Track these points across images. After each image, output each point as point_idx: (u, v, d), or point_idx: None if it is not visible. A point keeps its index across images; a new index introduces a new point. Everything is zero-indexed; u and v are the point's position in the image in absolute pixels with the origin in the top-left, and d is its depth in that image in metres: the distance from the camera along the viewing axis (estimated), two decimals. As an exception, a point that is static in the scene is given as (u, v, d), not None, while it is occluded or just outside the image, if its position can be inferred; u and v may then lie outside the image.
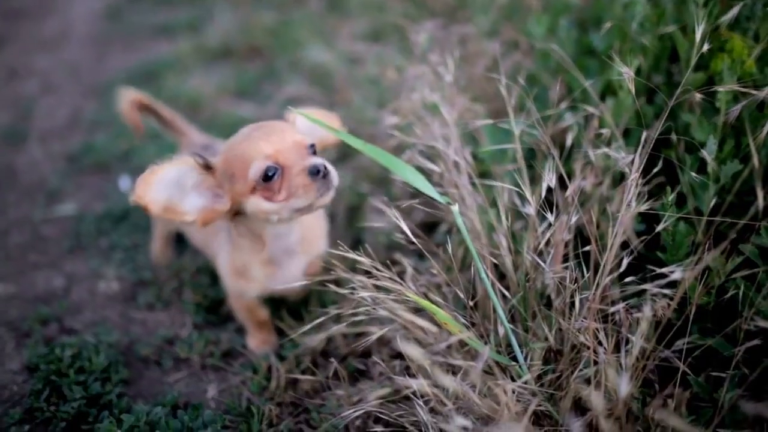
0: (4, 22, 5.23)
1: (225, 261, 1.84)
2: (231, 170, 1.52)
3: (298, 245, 1.78)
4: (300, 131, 1.59)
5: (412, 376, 1.62)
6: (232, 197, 1.55)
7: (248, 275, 1.80)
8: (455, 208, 1.37)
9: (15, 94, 4.07)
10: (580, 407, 1.43)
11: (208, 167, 1.54)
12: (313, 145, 1.57)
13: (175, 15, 4.87)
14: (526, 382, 1.39)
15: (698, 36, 1.57)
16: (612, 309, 1.39)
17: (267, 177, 1.49)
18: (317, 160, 1.51)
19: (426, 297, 1.66)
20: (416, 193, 2.16)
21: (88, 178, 3.10)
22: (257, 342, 1.98)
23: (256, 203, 1.53)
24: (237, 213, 1.61)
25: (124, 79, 4.03)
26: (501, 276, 1.79)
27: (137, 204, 1.46)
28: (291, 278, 1.80)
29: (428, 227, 2.18)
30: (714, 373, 1.47)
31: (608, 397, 1.34)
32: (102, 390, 1.84)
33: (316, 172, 1.50)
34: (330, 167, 1.52)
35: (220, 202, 1.56)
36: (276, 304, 2.09)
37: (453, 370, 1.50)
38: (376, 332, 1.51)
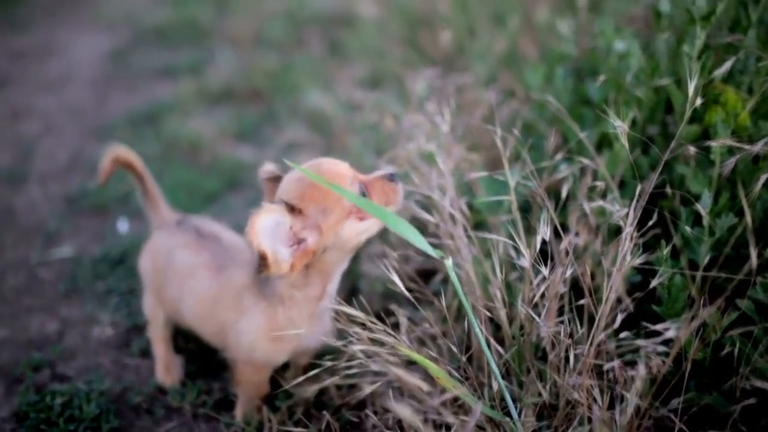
0: (7, 63, 5.28)
1: (255, 325, 1.72)
2: (322, 204, 1.53)
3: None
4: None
5: (405, 430, 1.60)
6: (326, 231, 1.54)
7: (287, 336, 1.70)
8: (449, 262, 1.37)
9: (16, 135, 4.09)
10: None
11: (292, 210, 1.52)
12: None
13: (178, 57, 4.92)
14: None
15: (691, 89, 1.58)
16: (607, 366, 1.38)
17: (362, 195, 1.57)
18: (386, 169, 1.67)
19: (420, 348, 1.65)
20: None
21: (86, 220, 3.10)
22: (247, 411, 1.90)
23: (352, 227, 1.57)
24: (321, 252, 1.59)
25: (125, 120, 4.06)
26: (496, 327, 1.78)
27: (258, 253, 1.43)
28: (324, 330, 1.76)
29: (425, 274, 2.18)
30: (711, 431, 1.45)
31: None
32: (92, 440, 1.82)
33: (392, 178, 1.64)
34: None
35: (312, 241, 1.53)
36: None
37: (446, 426, 1.48)
38: (369, 386, 1.50)
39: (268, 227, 1.45)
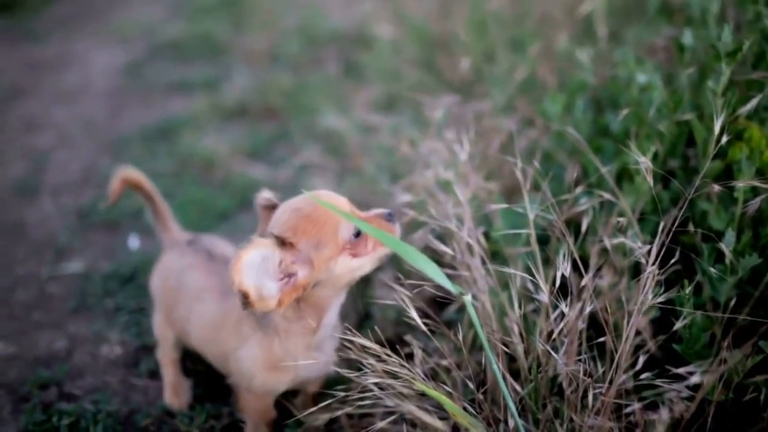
0: (23, 74, 5.30)
1: (253, 355, 1.70)
2: (316, 238, 1.50)
3: (336, 325, 1.74)
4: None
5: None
6: (318, 266, 1.51)
7: (284, 367, 1.68)
8: (468, 298, 1.35)
9: (30, 147, 4.09)
10: None
11: (283, 243, 1.49)
12: None
13: (193, 72, 4.92)
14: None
15: (717, 127, 1.56)
16: (628, 409, 1.35)
17: (357, 234, 1.53)
18: (381, 209, 1.65)
19: (435, 379, 1.62)
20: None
21: (97, 235, 3.09)
22: None
23: (345, 263, 1.54)
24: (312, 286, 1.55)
25: (138, 135, 4.06)
26: (511, 359, 1.75)
27: (240, 291, 1.39)
28: (326, 361, 1.73)
29: (439, 303, 2.15)
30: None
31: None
32: (98, 463, 1.80)
33: (390, 217, 1.61)
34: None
35: (302, 276, 1.50)
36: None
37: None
38: (382, 421, 1.47)
39: (255, 263, 1.41)
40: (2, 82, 5.08)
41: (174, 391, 2.07)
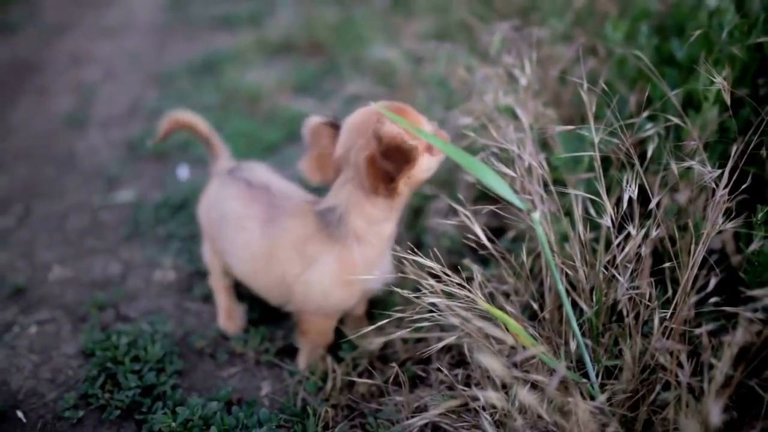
0: (67, 10, 5.31)
1: (329, 270, 1.68)
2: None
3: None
4: None
5: (476, 386, 1.56)
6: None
7: (356, 280, 1.68)
8: (536, 214, 1.32)
9: (77, 80, 4.11)
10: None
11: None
12: None
13: (237, 7, 4.88)
14: (601, 403, 1.33)
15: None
16: (698, 331, 1.32)
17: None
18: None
19: (493, 305, 1.60)
20: (482, 197, 2.11)
21: (147, 166, 3.11)
22: (311, 360, 1.88)
23: (427, 161, 1.61)
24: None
25: (184, 69, 4.05)
26: (572, 288, 1.72)
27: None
28: (388, 269, 1.76)
29: (492, 231, 2.12)
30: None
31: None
32: (156, 380, 1.83)
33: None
34: None
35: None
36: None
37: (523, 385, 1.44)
38: (441, 339, 1.46)
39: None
40: (48, 18, 5.10)
41: (228, 315, 2.08)
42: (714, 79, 1.49)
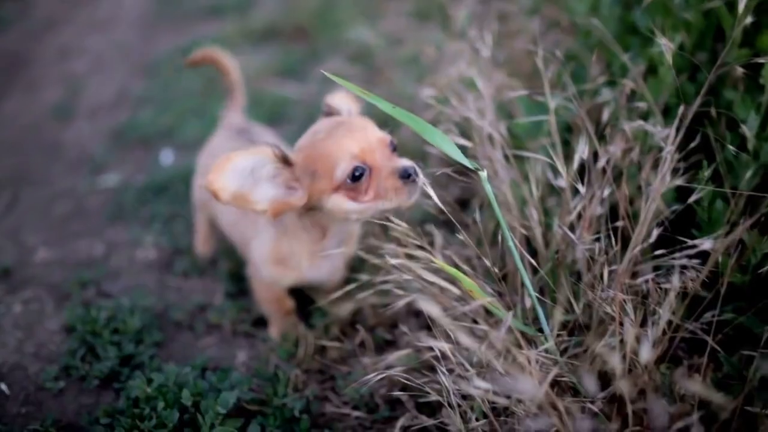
0: (60, 5, 5.36)
1: (264, 247, 1.76)
2: (313, 167, 1.48)
3: (348, 240, 1.78)
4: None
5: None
6: (311, 194, 1.50)
7: (289, 264, 1.74)
8: (483, 174, 1.36)
9: (66, 73, 4.17)
10: (604, 380, 1.41)
11: (285, 161, 1.49)
12: (392, 142, 1.55)
13: (223, -3, 4.92)
14: (548, 350, 1.38)
15: (742, 5, 1.53)
16: (640, 279, 1.37)
17: (354, 177, 1.46)
18: (407, 163, 1.50)
19: (455, 267, 1.65)
20: (451, 165, 2.16)
21: (131, 152, 3.16)
22: (283, 329, 1.94)
23: (338, 202, 1.50)
24: (310, 208, 1.56)
25: (170, 58, 4.09)
26: (532, 252, 1.77)
27: (208, 189, 1.42)
28: (331, 270, 1.80)
29: (462, 204, 2.17)
30: (745, 352, 1.43)
31: (632, 368, 1.32)
32: (135, 351, 1.89)
33: (407, 176, 1.48)
34: (418, 170, 1.50)
35: (295, 196, 1.51)
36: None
37: (476, 337, 1.49)
38: (401, 300, 1.51)
39: (240, 168, 1.43)
40: (38, 13, 5.15)
41: (204, 240, 2.32)
42: (661, 42, 1.53)
